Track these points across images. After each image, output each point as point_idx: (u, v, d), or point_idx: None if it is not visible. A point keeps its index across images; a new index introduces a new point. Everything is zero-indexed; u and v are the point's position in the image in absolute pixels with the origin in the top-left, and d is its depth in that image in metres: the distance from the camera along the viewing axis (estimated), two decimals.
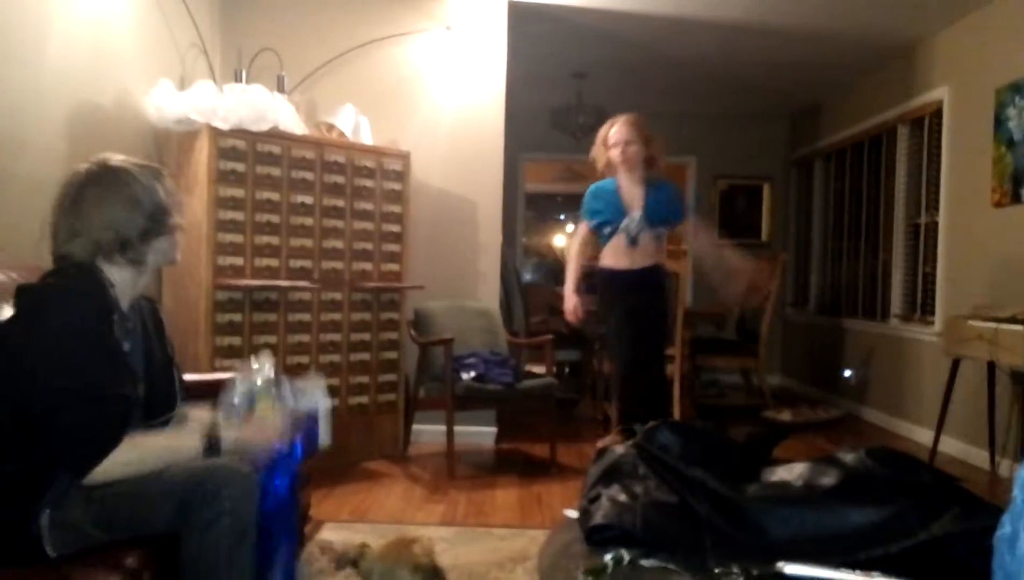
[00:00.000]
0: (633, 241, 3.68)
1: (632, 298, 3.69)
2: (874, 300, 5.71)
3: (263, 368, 1.75)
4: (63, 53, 2.86)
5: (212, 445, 1.60)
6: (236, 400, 1.72)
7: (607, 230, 3.73)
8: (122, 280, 1.65)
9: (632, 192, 3.72)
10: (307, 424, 1.76)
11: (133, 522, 1.57)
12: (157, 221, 1.64)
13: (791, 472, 1.79)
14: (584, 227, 3.87)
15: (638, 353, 3.72)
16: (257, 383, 1.73)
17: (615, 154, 3.69)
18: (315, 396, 1.81)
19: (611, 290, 3.78)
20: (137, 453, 1.54)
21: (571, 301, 3.83)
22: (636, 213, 3.68)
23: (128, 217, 1.60)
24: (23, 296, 1.58)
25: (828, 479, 1.70)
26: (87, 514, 1.55)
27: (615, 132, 3.71)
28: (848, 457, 1.81)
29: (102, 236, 1.59)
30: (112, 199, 1.60)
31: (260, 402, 1.71)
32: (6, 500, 1.53)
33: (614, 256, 3.73)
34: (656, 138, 3.79)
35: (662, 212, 3.72)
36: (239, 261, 3.50)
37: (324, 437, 1.82)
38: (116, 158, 1.67)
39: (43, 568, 1.50)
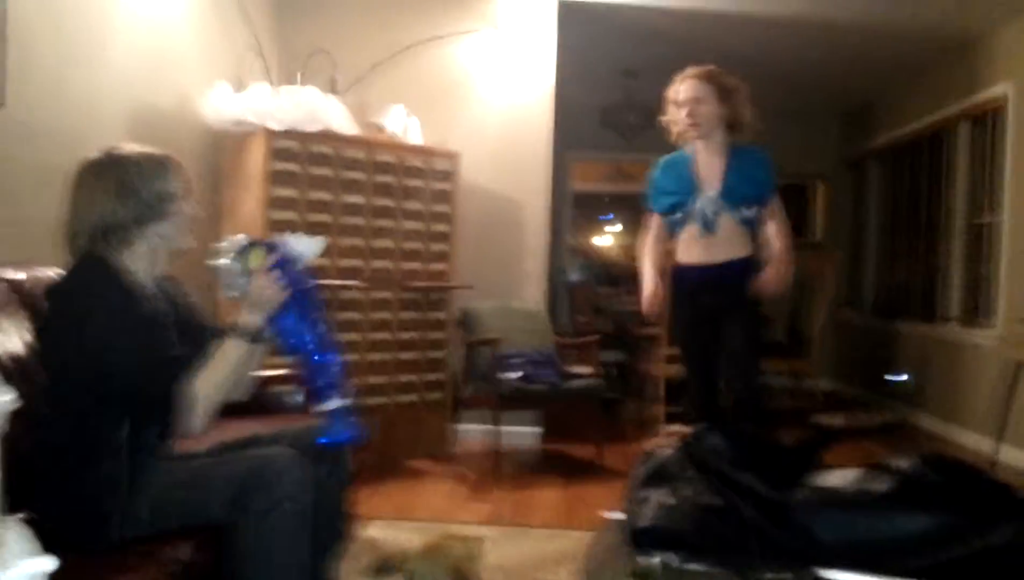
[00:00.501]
0: (708, 227, 2.91)
1: (706, 301, 2.94)
2: (931, 302, 5.56)
3: (230, 241, 1.73)
4: (124, 55, 2.96)
5: (249, 333, 1.65)
6: (233, 282, 1.70)
7: (678, 215, 2.99)
8: (136, 266, 1.70)
9: (710, 164, 2.95)
10: (272, 246, 1.74)
11: (188, 510, 1.61)
12: (154, 207, 1.66)
13: (842, 477, 1.76)
14: (655, 218, 3.12)
15: (703, 377, 3.02)
16: (231, 254, 1.71)
17: (683, 117, 2.95)
18: (300, 241, 1.79)
19: (681, 291, 3.05)
20: (210, 383, 1.60)
21: (649, 286, 3.05)
22: (711, 191, 2.91)
23: (119, 204, 1.63)
24: (52, 299, 1.65)
25: (880, 485, 1.66)
26: (143, 503, 1.60)
27: (684, 88, 2.97)
28: (902, 463, 1.77)
29: (96, 223, 1.63)
30: (103, 187, 1.64)
31: (252, 262, 1.70)
32: (93, 487, 1.59)
33: (687, 249, 3.00)
34: (739, 90, 3.00)
35: (745, 187, 2.92)
36: None
37: (301, 244, 1.78)
38: (120, 147, 1.71)
39: (100, 555, 1.54)
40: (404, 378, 3.98)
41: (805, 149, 7.25)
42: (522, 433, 4.42)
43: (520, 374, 3.91)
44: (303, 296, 1.72)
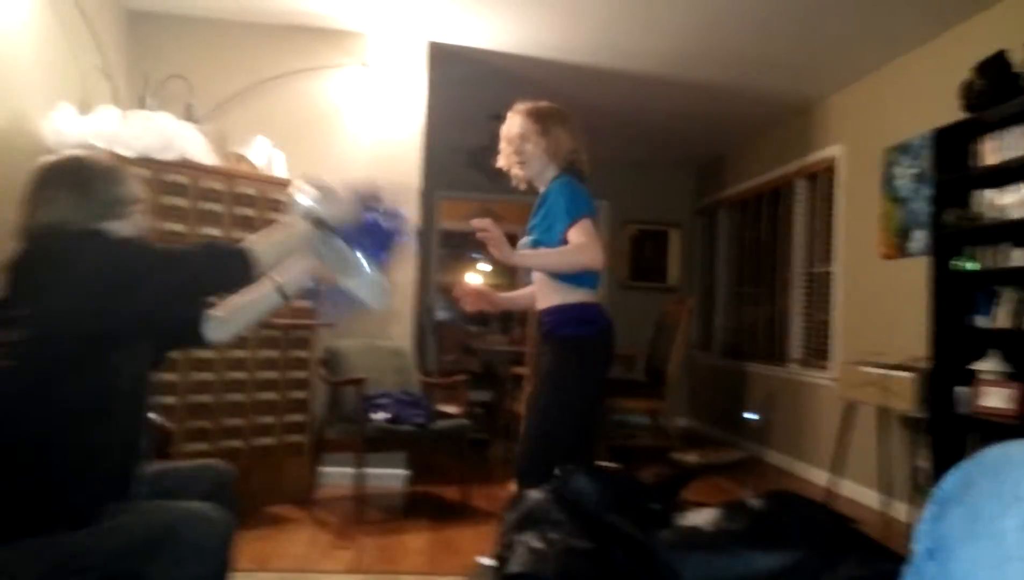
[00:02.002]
0: (528, 273, 2.66)
1: (540, 352, 2.62)
2: (774, 345, 5.94)
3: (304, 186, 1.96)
4: None
5: (319, 221, 1.87)
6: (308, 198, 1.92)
7: None
8: None
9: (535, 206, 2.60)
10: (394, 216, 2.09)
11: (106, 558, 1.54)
12: (112, 208, 1.70)
13: (702, 517, 1.82)
14: None
15: (525, 444, 2.51)
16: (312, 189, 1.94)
17: (511, 155, 2.60)
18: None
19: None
20: (265, 245, 1.74)
21: (480, 289, 2.83)
22: (526, 237, 2.58)
23: (79, 202, 1.66)
24: (35, 263, 1.60)
25: (736, 524, 1.73)
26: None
27: (509, 125, 2.61)
28: (753, 501, 1.86)
29: (54, 221, 1.64)
30: (64, 185, 1.67)
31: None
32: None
33: None
34: (568, 123, 2.61)
35: (541, 229, 2.50)
36: None
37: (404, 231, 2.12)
38: (76, 151, 1.78)
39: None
40: (262, 420, 3.80)
41: (663, 198, 7.65)
42: (388, 475, 4.31)
43: (387, 415, 3.82)
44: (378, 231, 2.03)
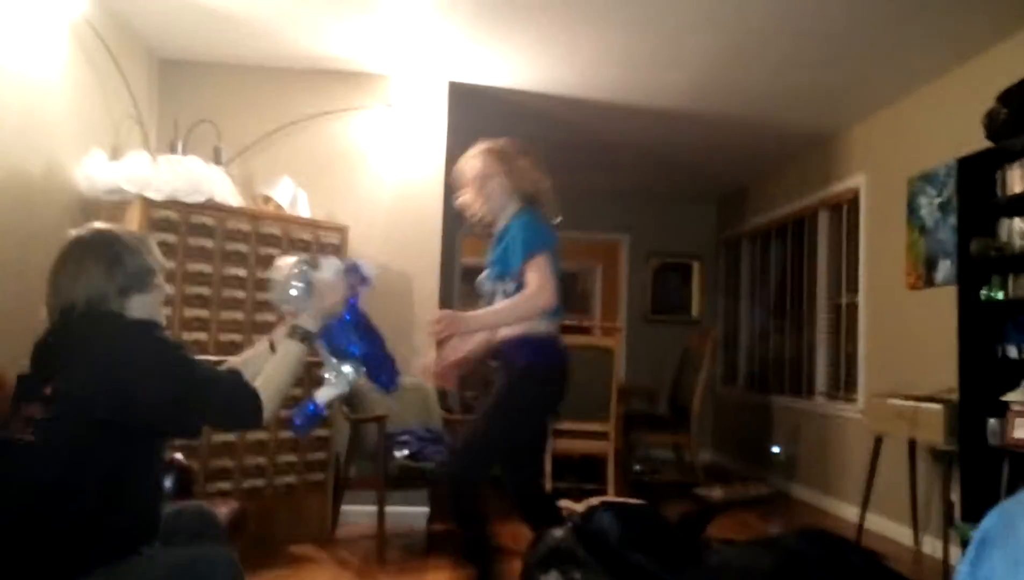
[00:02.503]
0: (489, 304, 2.67)
1: (494, 370, 2.71)
2: (800, 377, 5.87)
3: (293, 259, 1.94)
4: None
5: (305, 336, 1.85)
6: (293, 291, 1.90)
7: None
8: None
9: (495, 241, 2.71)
10: (352, 267, 2.02)
11: None
12: (138, 279, 1.74)
13: (728, 555, 1.79)
14: None
15: (457, 459, 2.63)
16: (300, 266, 1.92)
17: (475, 197, 2.71)
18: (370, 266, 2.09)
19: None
20: (273, 384, 1.75)
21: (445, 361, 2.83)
22: (486, 271, 2.71)
23: (107, 274, 1.70)
24: (62, 342, 1.65)
25: (764, 561, 1.70)
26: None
27: (470, 167, 2.71)
28: (782, 539, 1.83)
29: (82, 295, 1.69)
30: (92, 258, 1.71)
31: (319, 273, 1.93)
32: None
33: None
34: (523, 159, 2.69)
35: (500, 263, 2.61)
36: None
37: (370, 269, 2.07)
38: (102, 225, 1.82)
39: None
40: (284, 458, 3.81)
41: (685, 231, 7.65)
42: (409, 514, 4.29)
43: (408, 452, 3.82)
44: (355, 311, 2.00)
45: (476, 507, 2.49)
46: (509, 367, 2.58)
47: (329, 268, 1.94)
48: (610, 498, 3.17)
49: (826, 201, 5.51)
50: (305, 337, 1.85)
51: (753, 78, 4.40)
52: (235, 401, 1.70)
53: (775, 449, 6.02)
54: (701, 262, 7.69)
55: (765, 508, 5.16)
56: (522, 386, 2.56)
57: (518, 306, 2.50)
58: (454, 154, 4.61)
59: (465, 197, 2.70)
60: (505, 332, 2.60)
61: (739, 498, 5.37)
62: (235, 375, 1.74)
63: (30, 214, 3.08)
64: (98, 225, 1.81)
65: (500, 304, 2.57)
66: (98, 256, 1.72)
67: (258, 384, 1.73)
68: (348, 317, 1.97)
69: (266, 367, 1.80)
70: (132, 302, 1.72)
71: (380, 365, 2.03)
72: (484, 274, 2.69)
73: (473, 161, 2.68)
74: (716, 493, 5.37)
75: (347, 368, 1.96)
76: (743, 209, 7.05)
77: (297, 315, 1.88)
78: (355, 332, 1.98)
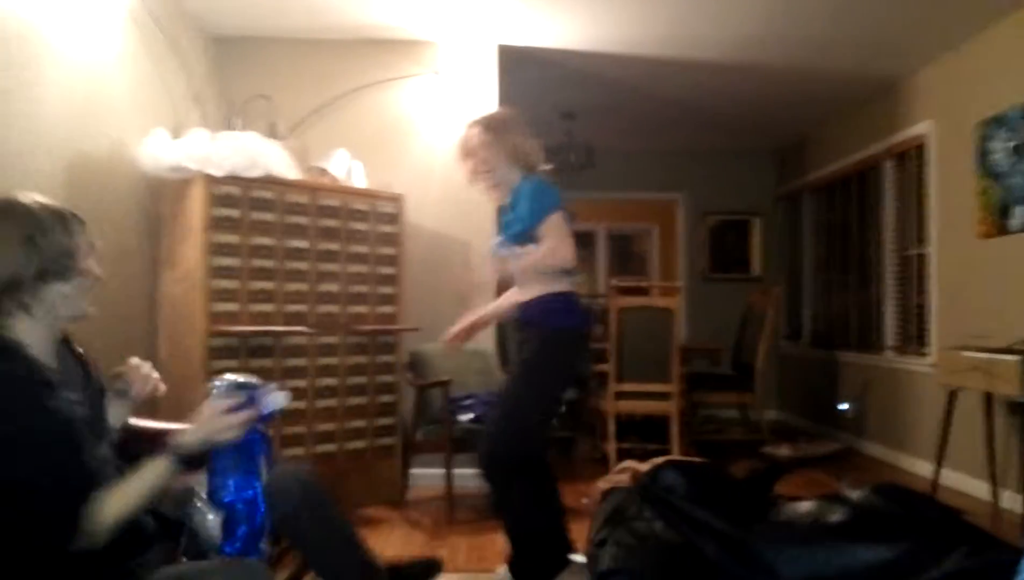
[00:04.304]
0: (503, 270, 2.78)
1: (517, 346, 2.75)
2: (868, 332, 5.73)
3: (226, 380, 1.76)
4: (59, 104, 2.88)
5: (181, 457, 1.57)
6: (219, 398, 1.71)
7: None
8: (34, 336, 1.54)
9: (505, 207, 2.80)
10: (257, 394, 1.73)
11: None
12: (57, 263, 1.52)
13: (798, 510, 1.78)
14: None
15: (494, 425, 2.68)
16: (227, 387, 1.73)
17: (479, 170, 2.78)
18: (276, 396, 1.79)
19: None
20: (122, 501, 1.50)
21: (473, 315, 2.96)
22: (498, 238, 2.79)
23: (23, 256, 1.49)
24: None
25: (836, 516, 1.68)
26: None
27: (468, 141, 2.79)
28: (854, 494, 1.80)
29: (2, 277, 1.49)
30: (5, 236, 1.50)
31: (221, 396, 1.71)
32: None
33: None
34: (513, 122, 2.78)
35: (512, 227, 2.65)
36: (234, 307, 3.48)
37: (278, 400, 1.77)
38: (17, 195, 1.57)
39: None
40: (354, 424, 3.91)
41: (743, 187, 7.48)
42: (476, 475, 4.35)
43: (472, 415, 3.87)
44: (250, 445, 1.74)
45: (538, 473, 2.59)
46: (539, 330, 2.60)
47: (225, 395, 1.70)
48: (675, 457, 3.17)
49: (891, 150, 5.31)
50: (186, 459, 1.58)
51: (809, 26, 4.24)
52: (48, 515, 1.42)
53: (843, 406, 5.91)
54: (760, 218, 7.52)
55: (835, 465, 5.08)
56: (553, 348, 2.60)
57: (540, 261, 2.53)
58: None
59: (468, 173, 2.78)
60: (530, 292, 2.62)
61: (807, 455, 5.30)
62: (81, 482, 1.47)
63: (99, 195, 3.19)
64: (8, 195, 1.57)
65: (522, 261, 2.59)
66: (9, 234, 1.50)
67: (110, 499, 1.48)
68: (235, 451, 1.73)
69: (126, 480, 1.54)
70: (49, 292, 1.53)
71: (237, 524, 1.73)
72: (497, 240, 2.75)
73: (468, 137, 2.74)
74: (783, 451, 5.31)
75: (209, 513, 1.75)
76: (803, 162, 6.85)
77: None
78: (235, 470, 1.74)
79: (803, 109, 5.94)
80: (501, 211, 2.84)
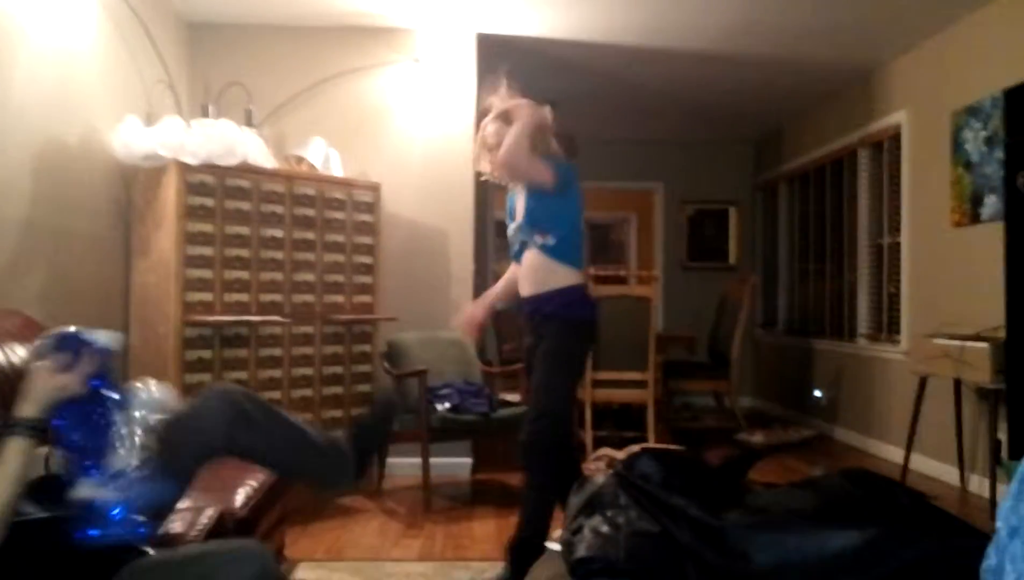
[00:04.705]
0: (516, 258, 2.82)
1: (527, 334, 2.82)
2: (841, 320, 5.80)
3: (45, 338, 1.58)
4: (29, 90, 2.83)
5: (20, 425, 1.46)
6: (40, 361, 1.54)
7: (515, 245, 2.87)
8: None
9: (521, 194, 2.80)
10: (79, 340, 1.56)
11: None
12: None
13: (770, 497, 1.80)
14: None
15: (533, 415, 2.73)
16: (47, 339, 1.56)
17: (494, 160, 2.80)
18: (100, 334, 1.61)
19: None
20: None
21: (473, 309, 3.07)
22: (515, 223, 2.81)
23: None
24: None
25: (807, 503, 1.70)
26: None
27: (489, 133, 2.83)
28: (824, 480, 1.83)
29: None
30: None
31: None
32: None
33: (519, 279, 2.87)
34: (520, 104, 2.78)
35: (538, 212, 2.71)
36: (208, 297, 3.45)
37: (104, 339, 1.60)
38: None
39: None
40: (330, 414, 3.89)
41: (720, 176, 7.53)
42: (453, 464, 4.37)
43: (449, 405, 3.87)
44: (92, 393, 1.57)
45: (568, 465, 2.65)
46: (562, 322, 2.69)
47: (50, 346, 1.54)
48: (651, 445, 3.19)
49: (866, 139, 5.36)
50: (34, 428, 1.47)
51: (786, 16, 4.26)
52: None
53: (816, 393, 5.99)
54: (737, 207, 7.57)
55: (808, 451, 5.15)
56: (576, 338, 2.73)
57: (511, 144, 2.63)
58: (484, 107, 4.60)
59: (483, 165, 2.86)
60: (545, 285, 2.70)
61: (781, 442, 5.37)
62: None
63: (70, 182, 3.14)
64: None
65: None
66: None
67: None
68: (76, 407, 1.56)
69: None
70: None
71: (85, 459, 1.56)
72: (516, 225, 2.79)
73: (488, 129, 2.81)
74: (757, 438, 5.37)
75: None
76: (780, 152, 6.90)
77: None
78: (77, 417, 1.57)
79: (781, 99, 5.98)
80: (510, 202, 2.90)
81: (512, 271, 2.95)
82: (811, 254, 6.43)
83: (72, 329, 1.57)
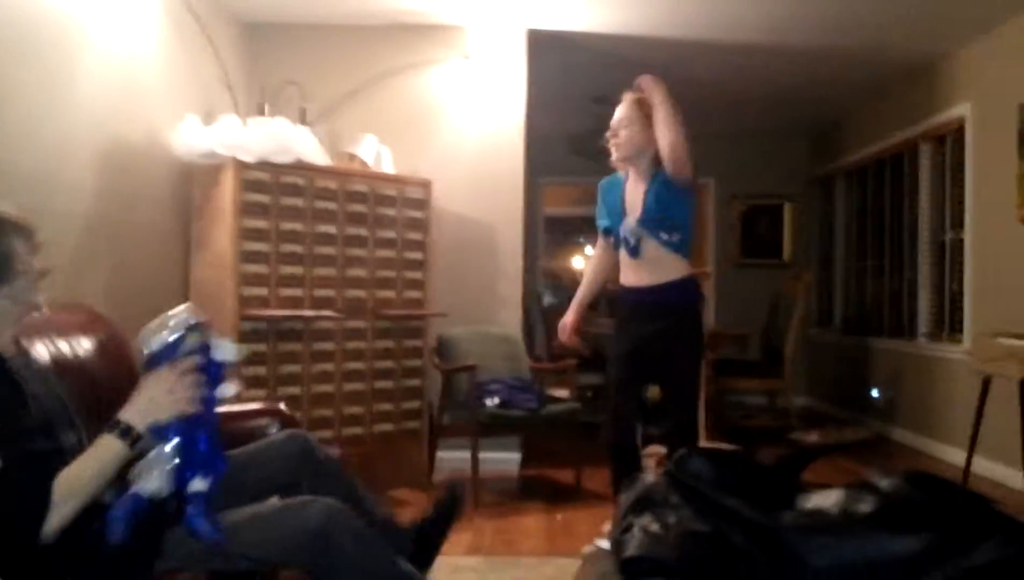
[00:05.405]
0: (633, 253, 2.84)
1: (639, 331, 2.85)
2: (900, 318, 5.65)
3: (180, 315, 1.60)
4: (94, 93, 2.93)
5: (127, 434, 1.51)
6: (160, 340, 1.57)
7: (611, 239, 2.96)
8: None
9: (636, 189, 2.85)
10: (219, 374, 1.59)
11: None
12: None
13: (826, 498, 1.76)
14: (600, 237, 3.08)
15: (617, 411, 2.91)
16: (178, 332, 1.57)
17: (609, 136, 2.89)
18: (226, 347, 1.63)
19: (619, 315, 3.03)
20: (70, 487, 1.46)
21: (567, 317, 3.07)
22: (633, 217, 2.83)
23: None
24: None
25: (865, 505, 1.66)
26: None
27: (617, 111, 2.90)
28: (884, 482, 1.78)
29: None
30: None
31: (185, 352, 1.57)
32: None
33: (622, 271, 2.93)
34: (631, 115, 2.85)
35: (663, 212, 2.78)
36: (264, 292, 3.53)
37: (229, 389, 1.63)
38: None
39: None
40: (381, 407, 3.94)
41: (774, 171, 7.38)
42: (502, 459, 4.39)
43: (498, 400, 3.89)
44: (205, 412, 1.58)
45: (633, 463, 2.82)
46: (685, 314, 2.83)
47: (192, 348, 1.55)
48: (703, 442, 3.16)
49: (928, 133, 5.20)
50: (133, 437, 1.52)
51: (843, 5, 4.16)
52: (13, 498, 1.40)
53: (874, 392, 5.84)
54: (792, 203, 7.42)
55: (864, 452, 5.03)
56: (701, 330, 2.95)
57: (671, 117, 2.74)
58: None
59: (610, 138, 2.89)
60: (666, 276, 2.79)
61: (836, 442, 5.25)
62: (32, 471, 1.44)
63: (133, 180, 3.24)
64: None
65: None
66: None
67: (63, 478, 1.46)
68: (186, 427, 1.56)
69: (78, 461, 1.50)
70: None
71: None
72: (634, 219, 2.81)
73: (620, 106, 2.88)
74: (812, 438, 5.26)
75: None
76: (836, 145, 6.74)
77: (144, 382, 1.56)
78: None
79: (837, 91, 5.84)
80: (607, 192, 2.96)
81: (594, 268, 3.09)
82: (869, 250, 6.27)
83: (183, 317, 1.57)
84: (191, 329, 1.58)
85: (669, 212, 2.77)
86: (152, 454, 1.54)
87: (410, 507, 3.73)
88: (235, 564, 1.61)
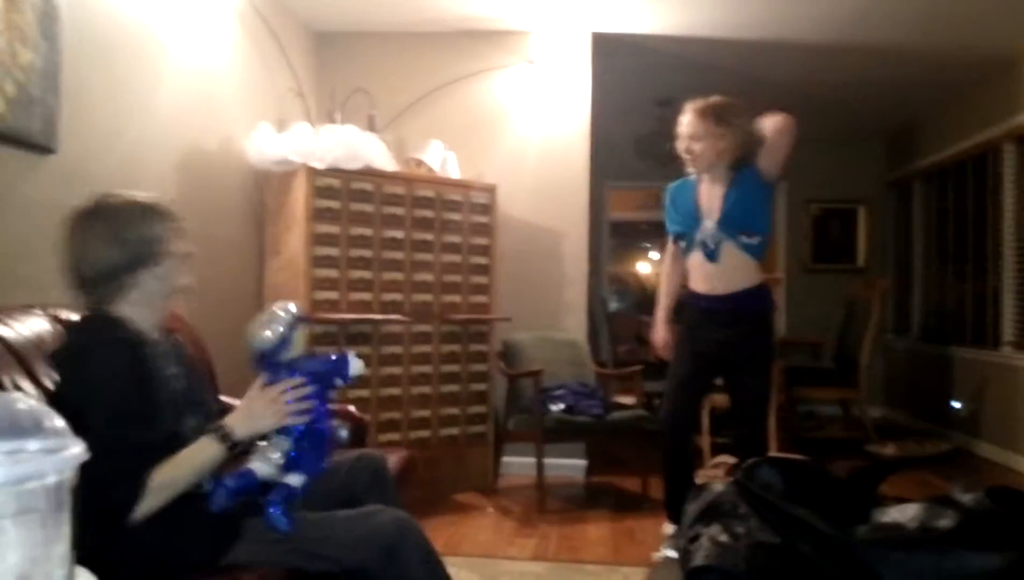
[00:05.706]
0: (711, 257, 2.82)
1: (708, 336, 2.84)
2: (983, 326, 5.40)
3: (286, 309, 1.68)
4: (171, 102, 3.05)
5: (227, 439, 1.58)
6: (269, 333, 1.65)
7: (683, 244, 2.94)
8: (137, 314, 1.66)
9: (711, 193, 2.85)
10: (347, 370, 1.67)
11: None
12: (143, 252, 1.63)
13: (903, 512, 1.70)
14: (670, 241, 3.06)
15: (674, 417, 2.92)
16: (286, 328, 1.66)
17: (683, 151, 2.89)
18: (353, 363, 1.71)
19: (685, 320, 2.98)
20: (165, 480, 1.52)
21: (659, 333, 3.06)
22: (711, 220, 2.82)
23: (108, 252, 1.60)
24: (56, 359, 1.63)
25: (945, 521, 1.60)
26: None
27: (683, 123, 2.89)
28: (966, 497, 1.70)
29: (91, 271, 1.61)
30: (94, 235, 1.62)
31: (298, 342, 1.67)
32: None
33: (693, 276, 2.91)
34: (740, 122, 2.86)
35: (744, 215, 2.80)
36: (334, 295, 3.60)
37: (357, 366, 1.69)
38: (108, 195, 1.68)
39: None
40: (447, 411, 3.98)
41: (848, 174, 7.17)
42: (567, 465, 4.37)
43: (563, 406, 3.88)
44: (314, 428, 1.65)
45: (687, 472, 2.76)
46: (758, 321, 2.86)
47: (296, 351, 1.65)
48: (773, 453, 3.09)
49: (1012, 133, 4.97)
50: (232, 443, 1.59)
51: (921, 3, 4.01)
52: (112, 479, 1.43)
53: (955, 404, 5.60)
54: (866, 206, 7.19)
55: (945, 467, 4.83)
56: (773, 337, 2.97)
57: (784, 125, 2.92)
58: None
59: (679, 149, 2.91)
60: (743, 283, 2.80)
61: (915, 455, 5.05)
62: (144, 455, 1.50)
63: (210, 187, 3.36)
64: (101, 195, 1.67)
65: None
66: (97, 232, 1.62)
67: (162, 467, 1.52)
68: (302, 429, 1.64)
69: (179, 453, 1.56)
70: (142, 277, 1.63)
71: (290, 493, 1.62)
72: (712, 222, 2.81)
73: (686, 119, 2.87)
74: (889, 450, 5.08)
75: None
76: (913, 147, 6.50)
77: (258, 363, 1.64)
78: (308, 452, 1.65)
79: (913, 91, 5.64)
80: (677, 195, 2.97)
81: (669, 277, 3.07)
82: (949, 255, 6.03)
83: (301, 313, 1.69)
84: (295, 323, 1.68)
85: (750, 214, 2.80)
86: (274, 439, 1.63)
87: (475, 511, 3.75)
88: (304, 563, 1.64)
